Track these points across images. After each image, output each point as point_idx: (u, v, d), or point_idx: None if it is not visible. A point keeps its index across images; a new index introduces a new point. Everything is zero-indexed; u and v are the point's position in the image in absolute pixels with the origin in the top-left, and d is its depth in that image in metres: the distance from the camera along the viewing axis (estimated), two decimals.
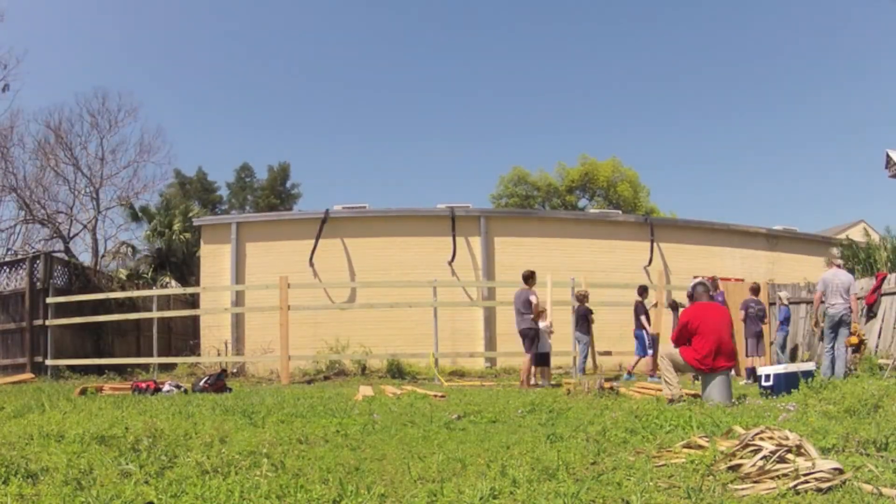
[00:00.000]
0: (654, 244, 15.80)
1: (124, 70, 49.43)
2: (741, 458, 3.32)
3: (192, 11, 55.58)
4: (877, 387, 6.51)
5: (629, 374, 12.51)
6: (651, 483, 3.17)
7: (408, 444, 4.61)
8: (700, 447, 3.69)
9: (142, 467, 3.67)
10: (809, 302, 14.03)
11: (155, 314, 14.51)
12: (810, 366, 8.38)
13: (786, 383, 7.57)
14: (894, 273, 12.23)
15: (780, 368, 8.12)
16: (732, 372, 8.06)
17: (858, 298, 12.68)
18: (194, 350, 15.05)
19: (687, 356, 7.08)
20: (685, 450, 3.73)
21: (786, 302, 12.80)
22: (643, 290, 12.80)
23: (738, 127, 61.92)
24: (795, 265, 16.70)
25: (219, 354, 14.22)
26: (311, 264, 14.77)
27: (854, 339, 10.40)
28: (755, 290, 12.49)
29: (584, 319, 12.62)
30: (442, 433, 5.12)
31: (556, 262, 15.15)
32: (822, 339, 10.63)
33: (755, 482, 3.06)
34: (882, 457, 3.58)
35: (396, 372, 12.89)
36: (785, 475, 3.05)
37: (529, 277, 10.86)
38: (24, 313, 13.62)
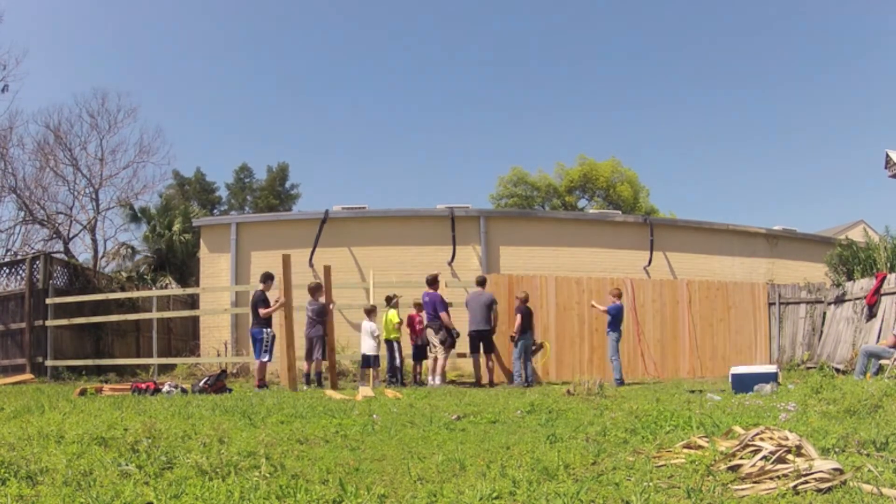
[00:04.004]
0: (654, 244, 15.80)
1: (124, 70, 49.45)
2: (741, 458, 3.32)
3: (191, 11, 55.62)
4: (877, 387, 6.51)
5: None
6: (651, 483, 3.17)
7: (407, 445, 4.61)
8: (700, 447, 3.69)
9: (141, 468, 3.66)
10: (809, 302, 14.06)
11: (154, 315, 14.52)
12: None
13: None
14: (894, 273, 12.23)
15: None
16: None
17: (857, 299, 12.73)
18: (194, 351, 15.05)
19: None
20: (685, 450, 3.73)
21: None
22: None
23: (738, 127, 61.98)
24: (795, 265, 16.72)
25: (218, 355, 14.22)
26: (311, 265, 14.77)
27: None
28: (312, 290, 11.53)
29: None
30: (442, 434, 5.12)
31: (555, 262, 15.18)
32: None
33: (755, 482, 3.06)
34: (882, 457, 3.58)
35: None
36: (785, 475, 3.05)
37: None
38: (23, 314, 13.61)
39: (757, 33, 60.93)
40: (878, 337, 11.68)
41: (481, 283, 12.22)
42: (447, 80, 64.82)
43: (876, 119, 55.41)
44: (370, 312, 11.60)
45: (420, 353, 11.89)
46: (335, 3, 62.77)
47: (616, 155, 41.75)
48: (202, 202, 35.09)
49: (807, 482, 2.96)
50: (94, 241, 22.46)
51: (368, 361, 11.31)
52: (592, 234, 16.11)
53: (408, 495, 3.16)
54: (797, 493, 2.90)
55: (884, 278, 12.04)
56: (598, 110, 62.95)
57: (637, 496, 2.95)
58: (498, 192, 37.78)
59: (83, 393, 8.92)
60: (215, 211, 35.12)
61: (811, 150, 61.78)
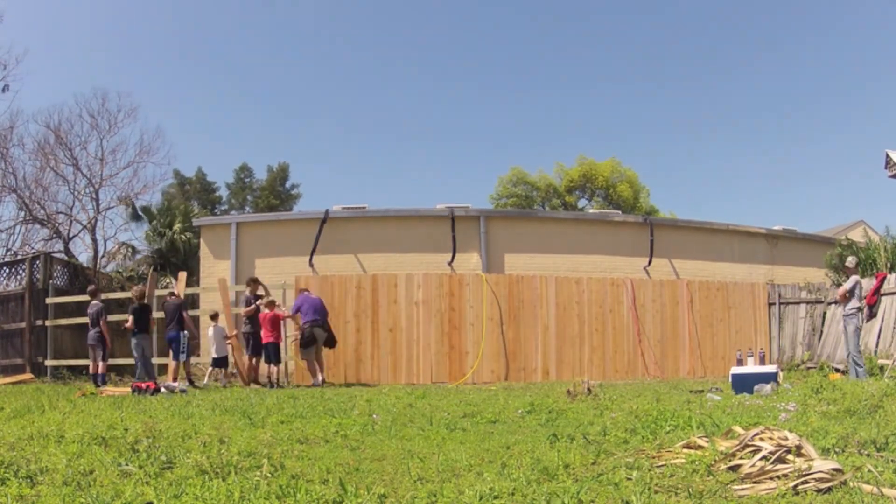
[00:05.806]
0: (654, 244, 15.80)
1: (124, 70, 49.43)
2: (741, 458, 3.32)
3: (192, 11, 55.60)
4: (877, 387, 6.51)
5: None
6: (651, 483, 3.17)
7: (407, 445, 4.61)
8: (700, 447, 3.69)
9: (141, 468, 3.66)
10: (809, 302, 14.06)
11: (155, 314, 14.46)
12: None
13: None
14: (894, 273, 12.23)
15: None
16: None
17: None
18: (194, 350, 15.02)
19: None
20: (685, 450, 3.73)
21: None
22: None
23: (737, 127, 61.97)
24: (795, 265, 16.72)
25: None
26: (311, 265, 14.78)
27: None
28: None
29: None
30: (442, 433, 5.12)
31: (555, 262, 15.18)
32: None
33: (755, 482, 3.05)
34: (882, 457, 3.58)
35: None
36: (785, 475, 3.05)
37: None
38: (23, 314, 13.60)
39: (756, 34, 60.98)
40: (879, 337, 11.68)
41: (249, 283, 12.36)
42: (447, 80, 64.87)
43: (876, 119, 55.44)
44: (215, 317, 12.45)
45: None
46: (336, 3, 62.82)
47: (616, 155, 41.79)
48: (203, 202, 35.09)
49: (807, 482, 2.96)
50: (95, 240, 22.45)
51: (219, 363, 12.29)
52: (592, 234, 16.10)
53: (408, 495, 3.16)
54: (797, 493, 2.90)
55: (884, 278, 12.03)
56: (598, 110, 62.98)
57: (637, 496, 2.95)
58: (498, 191, 37.78)
59: (83, 393, 8.93)
60: (216, 211, 35.12)
61: (811, 150, 61.80)
